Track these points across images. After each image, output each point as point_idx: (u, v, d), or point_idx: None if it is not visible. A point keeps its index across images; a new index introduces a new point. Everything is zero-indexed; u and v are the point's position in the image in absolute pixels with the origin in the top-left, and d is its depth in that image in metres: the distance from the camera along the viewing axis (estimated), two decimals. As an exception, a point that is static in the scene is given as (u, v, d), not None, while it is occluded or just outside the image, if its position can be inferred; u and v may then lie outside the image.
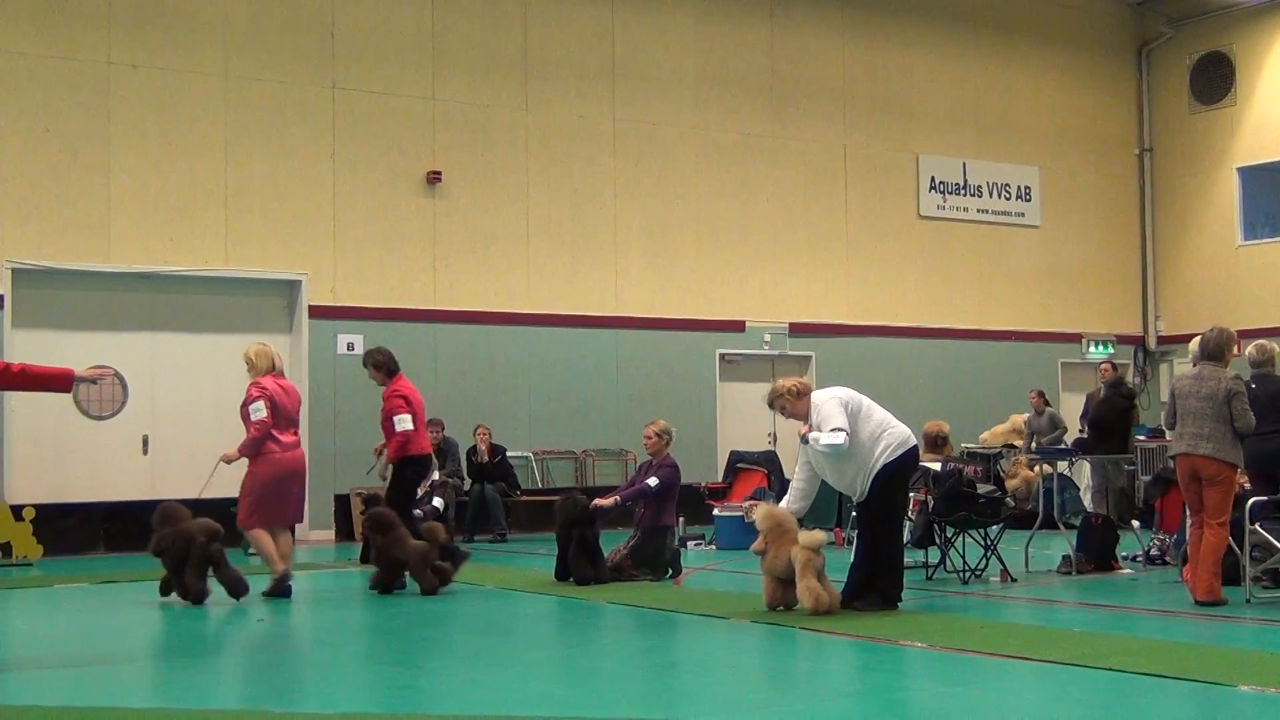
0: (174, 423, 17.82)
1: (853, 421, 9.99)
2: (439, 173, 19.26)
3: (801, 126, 22.30)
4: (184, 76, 17.82)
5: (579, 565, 12.18)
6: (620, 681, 7.82)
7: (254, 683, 7.96)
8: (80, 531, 16.65)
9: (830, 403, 10.08)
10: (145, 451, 17.68)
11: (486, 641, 9.39)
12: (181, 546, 11.08)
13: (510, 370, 19.68)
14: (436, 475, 15.31)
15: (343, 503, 18.24)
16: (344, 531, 18.18)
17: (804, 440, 10.20)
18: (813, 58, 22.46)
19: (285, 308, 18.66)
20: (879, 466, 10.01)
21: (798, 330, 21.97)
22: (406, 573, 11.74)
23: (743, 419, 21.35)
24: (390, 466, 12.50)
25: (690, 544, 15.86)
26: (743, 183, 21.73)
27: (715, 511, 16.63)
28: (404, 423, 12.20)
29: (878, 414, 10.21)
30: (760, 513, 10.26)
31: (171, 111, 17.75)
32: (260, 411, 11.25)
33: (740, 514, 15.81)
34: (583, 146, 20.51)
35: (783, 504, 10.42)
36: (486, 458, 18.46)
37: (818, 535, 9.90)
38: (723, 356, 21.48)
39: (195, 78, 17.88)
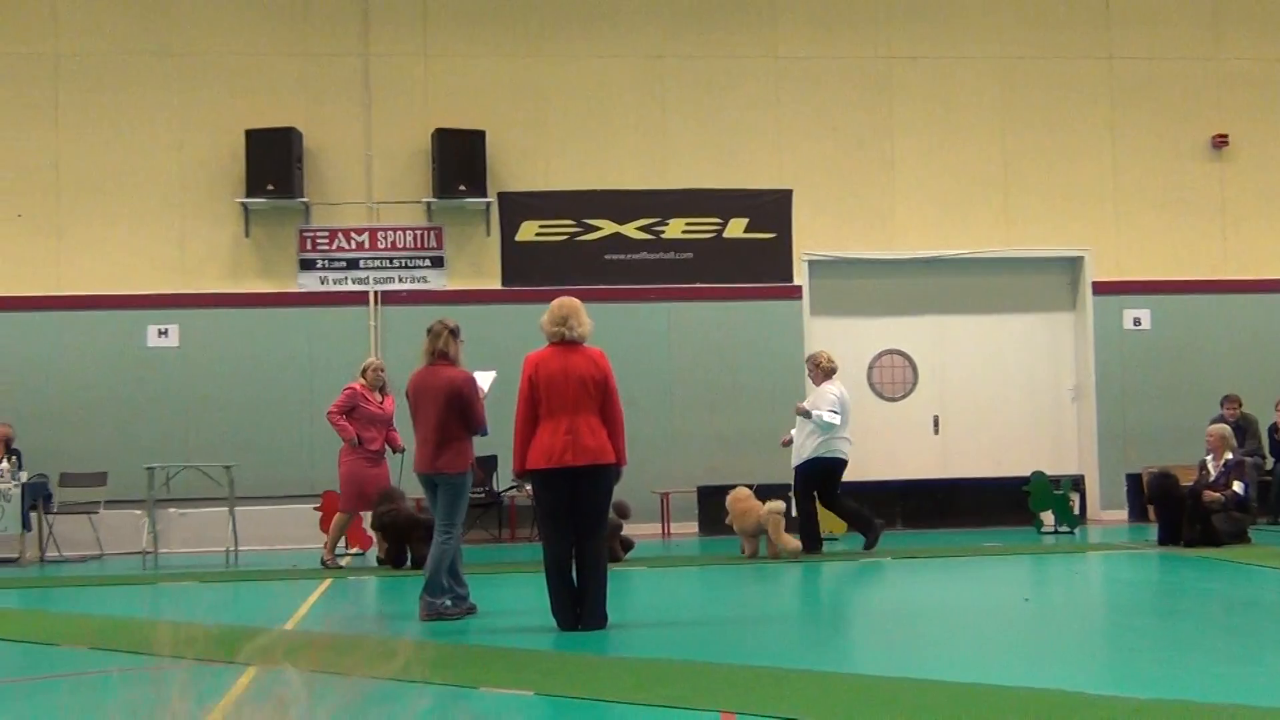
0: (962, 403, 18.27)
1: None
2: (1225, 136, 18.29)
3: None
4: (959, 63, 18.18)
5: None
6: None
7: (1074, 666, 7.94)
8: (878, 508, 17.38)
9: (830, 393, 13.60)
10: (936, 431, 18.23)
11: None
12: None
13: (1315, 339, 18.30)
14: (1230, 455, 14.51)
15: (1134, 481, 17.78)
16: (1137, 511, 17.69)
17: (799, 413, 13.80)
18: None
19: (1068, 285, 18.50)
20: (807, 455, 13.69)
21: None
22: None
23: None
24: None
25: None
26: None
27: None
28: None
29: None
30: (729, 500, 13.48)
31: (948, 99, 18.18)
32: None
33: None
34: (1389, 90, 18.67)
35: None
36: (1291, 434, 17.31)
37: (779, 503, 13.03)
38: None
39: (970, 63, 18.19)
